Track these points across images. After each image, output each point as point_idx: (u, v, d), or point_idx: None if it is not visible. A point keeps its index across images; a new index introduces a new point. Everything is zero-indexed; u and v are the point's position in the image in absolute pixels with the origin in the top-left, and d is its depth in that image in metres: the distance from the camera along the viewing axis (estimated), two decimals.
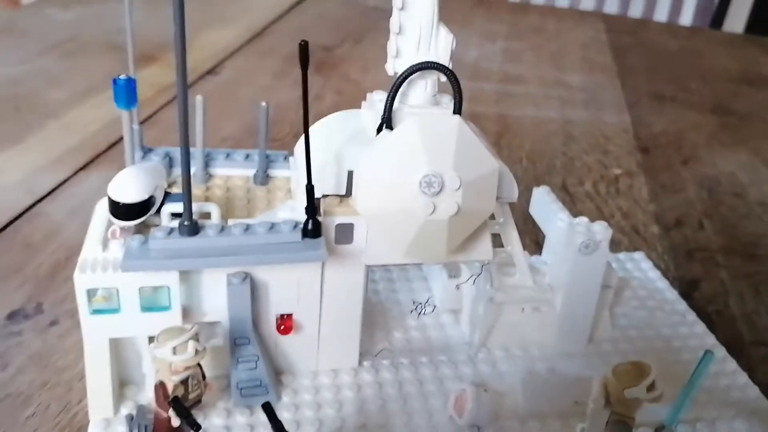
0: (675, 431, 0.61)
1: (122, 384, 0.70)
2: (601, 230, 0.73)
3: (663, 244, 1.04)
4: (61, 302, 0.84)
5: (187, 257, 0.62)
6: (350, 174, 0.66)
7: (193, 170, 0.79)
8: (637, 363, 0.62)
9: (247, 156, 0.81)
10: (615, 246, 1.03)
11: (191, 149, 0.78)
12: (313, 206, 0.63)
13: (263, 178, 0.80)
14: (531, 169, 0.77)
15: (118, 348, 0.69)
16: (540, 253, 0.86)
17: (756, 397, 0.75)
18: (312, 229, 0.64)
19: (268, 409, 0.54)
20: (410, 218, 0.62)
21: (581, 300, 0.77)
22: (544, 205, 0.84)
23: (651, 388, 0.59)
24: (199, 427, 0.60)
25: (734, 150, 1.36)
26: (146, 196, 0.63)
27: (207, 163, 0.80)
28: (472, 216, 0.64)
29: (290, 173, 0.79)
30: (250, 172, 0.80)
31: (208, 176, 0.80)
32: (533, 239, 1.00)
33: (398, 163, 0.61)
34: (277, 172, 0.80)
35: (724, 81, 1.75)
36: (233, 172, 0.81)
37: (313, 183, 0.62)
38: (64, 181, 1.11)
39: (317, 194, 0.65)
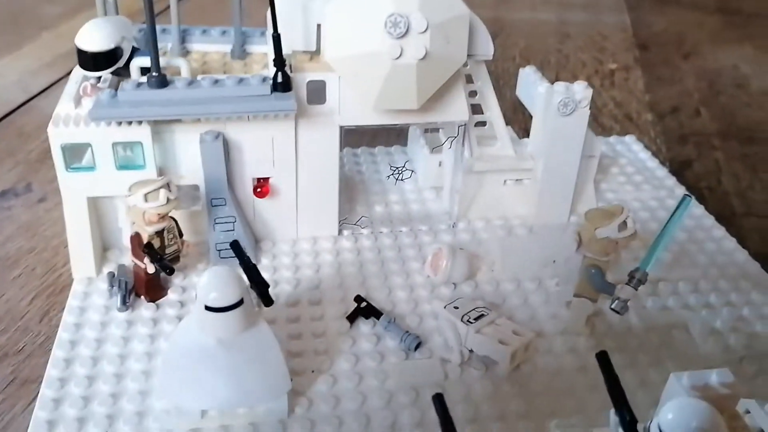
0: (647, 275, 0.60)
1: (105, 248, 0.71)
2: (581, 90, 0.72)
3: (656, 129, 1.02)
4: (50, 182, 0.85)
5: (155, 107, 0.62)
6: (319, 28, 0.65)
7: (169, 45, 0.79)
8: (610, 205, 0.61)
9: (224, 32, 0.80)
10: (606, 132, 1.01)
11: (167, 26, 0.78)
12: (281, 57, 0.63)
13: (240, 52, 0.79)
14: (524, 65, 0.76)
15: (98, 212, 0.69)
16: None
17: (744, 260, 0.74)
18: (282, 81, 0.64)
19: (236, 247, 0.55)
20: (378, 63, 0.61)
21: (562, 167, 0.76)
22: (529, 84, 0.82)
23: (623, 227, 0.59)
24: (172, 270, 0.61)
25: (739, 45, 1.32)
26: (112, 45, 0.63)
27: (183, 38, 0.79)
28: (441, 63, 0.63)
29: (267, 48, 0.78)
30: (227, 47, 0.80)
31: (185, 51, 0.80)
32: (522, 126, 0.98)
33: (363, 3, 0.60)
34: (255, 48, 0.80)
35: None
36: (210, 47, 0.80)
37: (280, 33, 0.62)
38: (56, 81, 1.12)
39: (286, 50, 0.64)
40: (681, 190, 0.86)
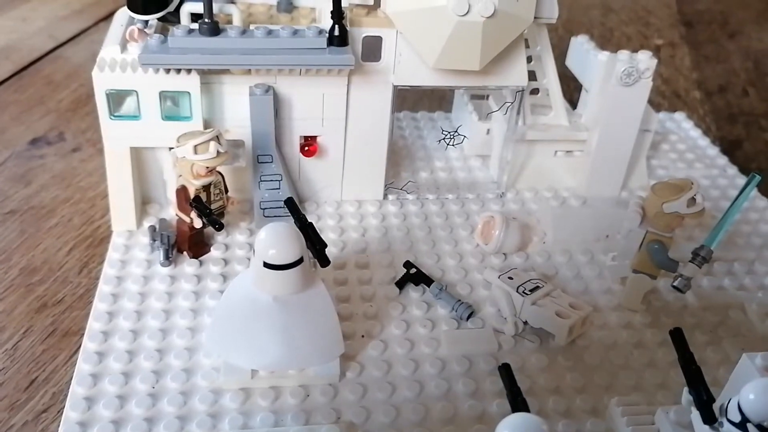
0: (712, 252, 0.58)
1: (145, 202, 0.69)
2: (645, 59, 0.69)
3: (704, 107, 0.99)
4: (83, 132, 0.83)
5: (207, 56, 0.59)
6: None
7: None
8: (678, 179, 0.59)
9: None
10: (654, 107, 0.98)
11: None
12: (339, 9, 0.60)
13: (287, 5, 0.76)
14: (566, 38, 0.73)
15: (140, 165, 0.67)
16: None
17: None
18: (339, 35, 0.61)
19: (291, 204, 0.53)
20: (443, 18, 0.58)
21: (618, 140, 0.73)
22: (583, 53, 0.79)
23: (691, 203, 0.57)
24: (222, 225, 0.59)
25: None
26: None
27: None
28: (508, 23, 0.60)
29: (315, 1, 0.75)
30: (273, 0, 0.77)
31: (230, 1, 0.76)
32: (567, 98, 0.95)
33: None
34: (302, 1, 0.77)
35: None
36: None
37: None
38: (85, 30, 1.09)
39: (344, 3, 0.61)
40: (733, 170, 0.83)
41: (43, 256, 0.65)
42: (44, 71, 0.97)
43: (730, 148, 0.89)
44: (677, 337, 0.45)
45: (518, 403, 0.40)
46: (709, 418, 0.42)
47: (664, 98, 1.01)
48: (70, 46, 1.04)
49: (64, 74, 0.95)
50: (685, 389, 0.45)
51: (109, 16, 1.15)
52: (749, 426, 0.39)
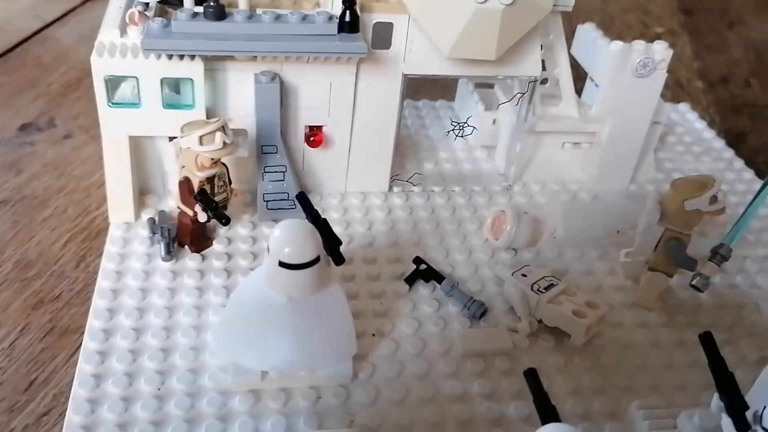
0: (732, 251, 0.57)
1: (143, 193, 0.67)
2: (661, 50, 0.67)
3: (708, 98, 0.98)
4: (75, 118, 0.80)
5: (212, 41, 0.57)
6: None
7: None
8: (699, 176, 0.57)
9: None
10: None
11: None
12: None
13: None
14: (567, 25, 0.71)
15: (138, 154, 0.64)
16: None
17: None
18: (350, 21, 0.58)
19: (303, 199, 0.50)
20: (461, 5, 0.56)
21: (630, 132, 0.72)
22: (590, 42, 0.77)
23: (713, 200, 0.55)
24: (228, 220, 0.57)
25: None
26: None
27: None
28: (528, 11, 0.58)
29: None
30: None
31: None
32: None
33: None
34: None
35: None
36: None
37: None
38: (73, 9, 1.05)
39: None
40: (740, 163, 0.82)
41: (38, 249, 0.62)
42: (32, 53, 0.93)
43: (735, 141, 0.88)
44: (707, 341, 0.43)
45: (548, 412, 0.39)
46: (742, 426, 0.41)
47: (666, 88, 0.99)
48: (58, 27, 1.00)
49: (53, 56, 0.92)
50: (716, 395, 0.44)
51: None
52: None
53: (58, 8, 1.05)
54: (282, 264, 0.45)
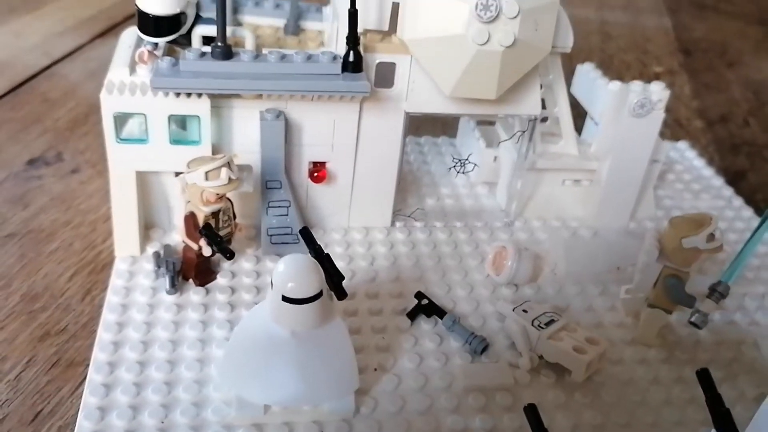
0: (729, 288, 0.58)
1: (148, 227, 0.68)
2: (658, 90, 0.69)
3: (707, 137, 1.00)
4: (82, 153, 0.81)
5: (219, 80, 0.58)
6: (395, 7, 0.62)
7: None
8: (697, 214, 0.58)
9: (278, 5, 0.76)
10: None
11: None
12: (355, 34, 0.59)
13: (294, 28, 0.75)
14: (567, 65, 0.73)
15: (144, 189, 0.66)
16: None
17: None
18: (354, 61, 0.60)
19: (306, 234, 0.51)
20: (462, 47, 0.57)
21: (628, 170, 0.73)
22: (589, 81, 0.79)
23: (710, 238, 0.56)
24: (233, 254, 0.58)
25: None
26: (177, 10, 0.59)
27: (235, 9, 0.75)
28: (527, 52, 0.59)
29: (323, 25, 0.74)
30: (280, 22, 0.76)
31: (237, 23, 0.75)
32: None
33: None
34: (309, 24, 0.76)
35: None
36: (262, 21, 0.76)
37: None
38: (81, 47, 1.07)
39: (359, 28, 0.61)
40: (739, 201, 0.83)
41: (44, 282, 0.63)
42: (40, 89, 0.95)
43: (734, 179, 0.89)
44: (704, 377, 0.44)
45: None
46: None
47: (666, 126, 1.01)
48: (66, 63, 1.02)
49: (61, 92, 0.94)
50: (712, 431, 0.44)
51: (104, 33, 1.14)
52: None
53: (67, 45, 1.08)
54: (285, 299, 0.45)
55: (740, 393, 0.58)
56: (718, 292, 0.57)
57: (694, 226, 0.56)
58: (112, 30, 1.13)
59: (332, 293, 0.50)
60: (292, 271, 0.45)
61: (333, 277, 0.50)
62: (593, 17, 1.40)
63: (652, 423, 0.54)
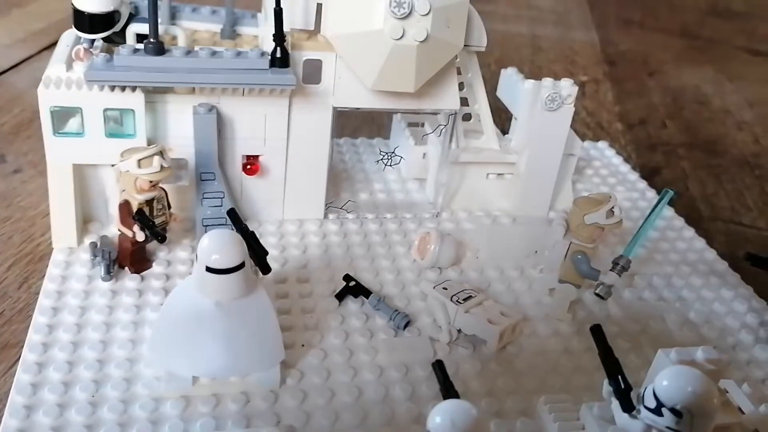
0: (630, 261, 0.63)
1: (86, 220, 0.70)
2: (567, 86, 0.74)
3: (626, 137, 1.06)
4: (25, 154, 0.83)
5: (152, 73, 0.61)
6: (319, 7, 0.66)
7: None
8: (598, 194, 0.63)
9: (214, 11, 0.80)
10: (579, 138, 1.04)
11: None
12: (281, 32, 0.63)
13: (230, 32, 0.78)
14: (498, 74, 0.79)
15: (82, 183, 0.68)
16: None
17: (713, 259, 0.77)
18: (281, 57, 0.64)
19: (233, 214, 0.54)
20: (379, 42, 0.62)
21: (545, 162, 0.78)
22: (512, 84, 0.84)
23: (610, 214, 0.61)
24: (164, 237, 0.60)
25: (700, 66, 1.38)
26: (111, 8, 0.62)
27: (173, 15, 0.79)
28: (441, 47, 0.64)
29: (258, 30, 0.78)
30: (217, 27, 0.79)
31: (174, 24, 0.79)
32: (498, 126, 1.00)
33: None
34: (245, 29, 0.79)
35: (692, 11, 1.77)
36: (199, 26, 0.79)
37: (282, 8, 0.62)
38: (29, 57, 1.09)
39: (285, 27, 0.64)
40: (652, 194, 0.89)
41: None
42: None
43: (649, 175, 0.95)
44: (597, 332, 0.48)
45: (450, 395, 0.43)
46: (627, 406, 0.46)
47: (588, 129, 1.07)
48: (13, 74, 1.04)
49: (6, 99, 0.95)
50: (605, 381, 0.48)
51: (52, 46, 1.15)
52: (663, 410, 0.43)
53: (15, 56, 1.10)
54: (209, 269, 0.48)
55: (646, 361, 0.62)
56: (620, 266, 0.62)
57: (595, 203, 0.61)
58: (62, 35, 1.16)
59: (257, 268, 0.53)
60: (215, 243, 0.48)
61: (257, 252, 0.53)
62: (525, 32, 1.47)
63: (561, 387, 0.58)
